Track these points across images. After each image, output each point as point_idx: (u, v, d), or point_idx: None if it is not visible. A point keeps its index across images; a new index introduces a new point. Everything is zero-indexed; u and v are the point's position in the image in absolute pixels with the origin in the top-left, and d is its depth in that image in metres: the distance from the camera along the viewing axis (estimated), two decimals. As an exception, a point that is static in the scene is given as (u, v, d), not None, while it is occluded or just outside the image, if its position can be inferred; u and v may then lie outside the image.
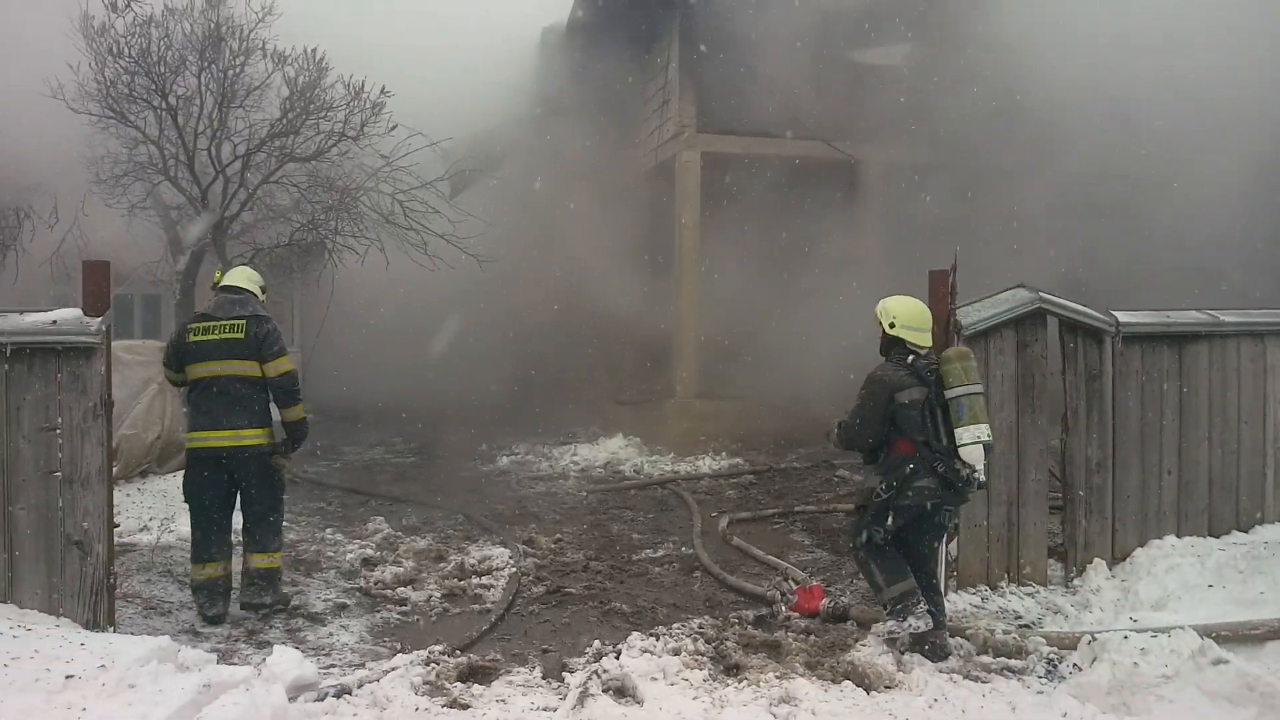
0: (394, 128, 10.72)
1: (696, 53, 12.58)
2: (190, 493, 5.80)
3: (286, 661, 4.50)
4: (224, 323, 5.74)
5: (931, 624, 5.00)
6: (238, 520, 5.90)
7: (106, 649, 4.24)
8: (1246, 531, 6.42)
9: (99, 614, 5.01)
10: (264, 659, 4.60)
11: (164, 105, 9.83)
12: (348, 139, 10.48)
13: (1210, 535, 6.37)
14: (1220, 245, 10.47)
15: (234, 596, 5.84)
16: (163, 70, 9.75)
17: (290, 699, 4.25)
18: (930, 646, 5.00)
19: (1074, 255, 10.98)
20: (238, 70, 10.06)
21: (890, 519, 5.06)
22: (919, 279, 6.01)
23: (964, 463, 4.95)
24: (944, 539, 5.58)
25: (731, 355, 12.49)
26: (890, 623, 5.04)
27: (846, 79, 12.30)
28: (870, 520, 5.12)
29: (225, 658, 4.99)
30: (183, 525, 7.29)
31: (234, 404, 5.69)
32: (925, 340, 5.20)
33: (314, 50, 10.25)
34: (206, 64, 9.96)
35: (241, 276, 6.05)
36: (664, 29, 13.36)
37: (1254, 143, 10.09)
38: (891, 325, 5.20)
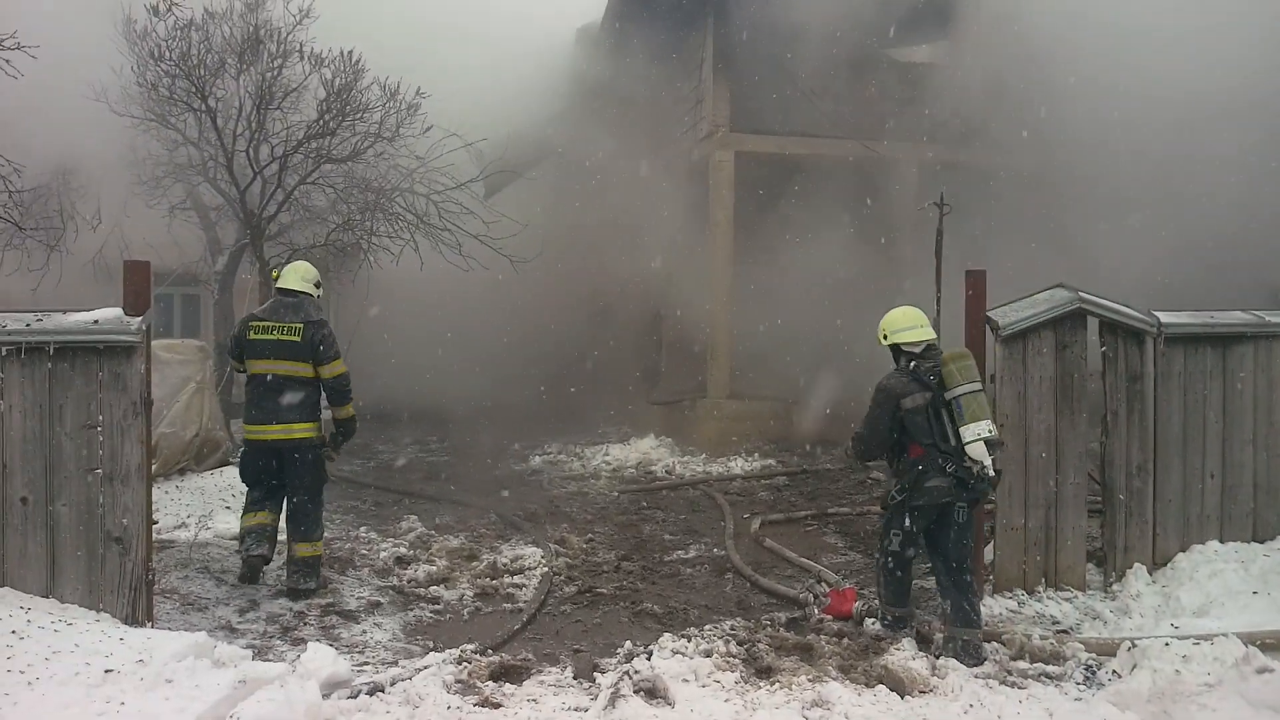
0: (429, 129, 10.78)
1: (730, 51, 12.56)
2: (246, 473, 6.38)
3: (321, 658, 4.54)
4: (282, 325, 6.16)
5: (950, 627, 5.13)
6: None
7: (145, 644, 4.31)
8: (1293, 537, 6.28)
9: (138, 609, 5.08)
10: (299, 656, 4.65)
11: (203, 107, 9.97)
12: (383, 140, 10.56)
13: (1255, 540, 6.24)
14: (1255, 245, 10.25)
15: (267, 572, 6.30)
16: (202, 73, 9.89)
17: (324, 696, 4.28)
18: (963, 645, 4.98)
19: (1113, 256, 10.81)
20: (275, 73, 10.18)
21: (907, 521, 5.18)
22: (955, 279, 5.94)
23: (973, 460, 5.03)
24: (976, 540, 5.53)
25: (764, 356, 12.44)
26: (877, 624, 5.37)
27: (880, 77, 12.22)
28: (889, 523, 5.26)
29: (260, 654, 5.04)
30: (220, 522, 7.49)
31: (287, 400, 6.12)
32: (919, 335, 5.27)
33: (350, 52, 10.35)
34: (245, 67, 10.08)
35: (296, 278, 6.35)
36: (698, 27, 13.33)
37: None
38: (884, 338, 5.38)
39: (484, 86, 12.97)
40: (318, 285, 6.49)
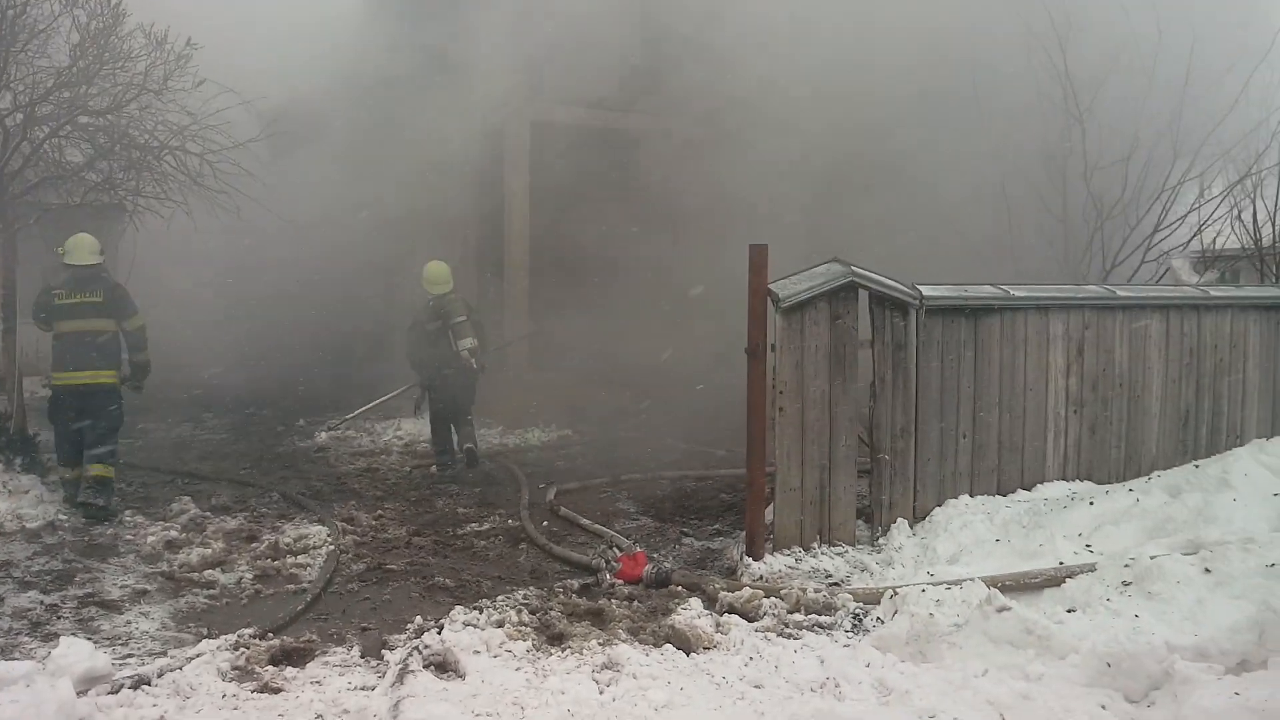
0: (202, 83, 10.00)
1: (528, 17, 12.38)
2: (54, 416, 7.54)
3: (75, 653, 4.18)
4: (85, 290, 7.48)
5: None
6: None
7: None
8: (1030, 490, 6.98)
9: None
10: (49, 652, 4.27)
11: (-72, 46, 8.80)
12: (149, 93, 9.70)
13: (999, 494, 6.90)
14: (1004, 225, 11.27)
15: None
16: (-74, 7, 8.73)
17: (80, 693, 3.95)
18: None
19: (887, 235, 11.57)
20: (18, 11, 9.11)
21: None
22: (739, 252, 6.17)
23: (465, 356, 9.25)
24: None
25: (563, 328, 12.48)
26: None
27: (668, 51, 12.43)
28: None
29: (4, 653, 4.59)
30: None
31: (92, 353, 7.45)
32: (435, 290, 9.52)
33: (108, -8, 9.41)
34: (-20, 2, 8.97)
35: (86, 253, 7.56)
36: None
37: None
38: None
39: (263, 41, 12.20)
40: (101, 253, 7.68)
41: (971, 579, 5.17)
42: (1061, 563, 5.55)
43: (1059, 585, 5.24)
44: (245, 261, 14.96)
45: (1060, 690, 4.14)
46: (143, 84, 9.61)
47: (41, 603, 5.43)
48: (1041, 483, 7.05)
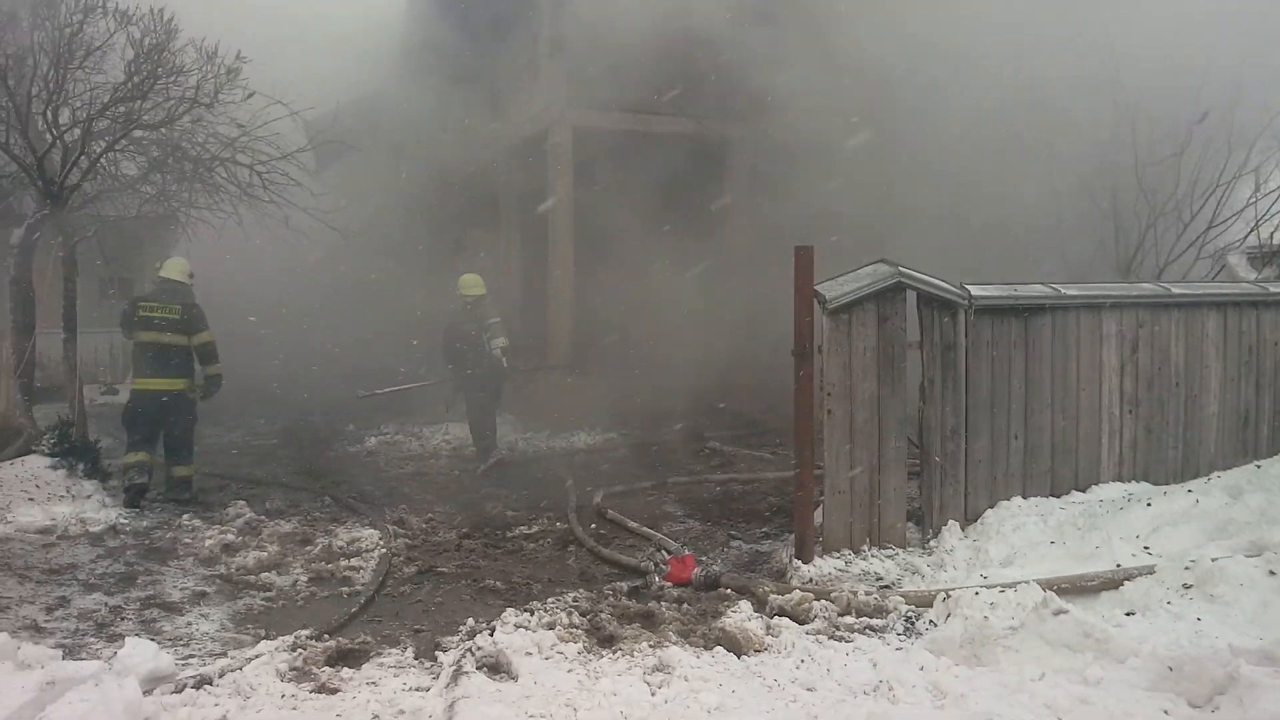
0: (251, 95, 10.20)
1: (569, 23, 12.46)
2: (128, 419, 8.25)
3: (140, 654, 4.28)
4: (166, 305, 8.33)
5: None
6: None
7: (-65, 649, 3.95)
8: (1084, 491, 6.86)
9: (-73, 613, 4.65)
10: (115, 653, 4.37)
11: (-10, 64, 9.07)
12: (200, 106, 9.91)
13: (1053, 495, 6.79)
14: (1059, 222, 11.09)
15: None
16: (-12, 26, 9.00)
17: (145, 692, 4.04)
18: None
19: (933, 232, 11.45)
20: (75, 29, 9.36)
21: None
22: (785, 254, 6.15)
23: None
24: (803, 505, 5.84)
25: (606, 332, 12.53)
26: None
27: (717, 56, 12.42)
28: None
29: (72, 653, 4.71)
30: (22, 515, 7.08)
31: (166, 361, 8.25)
32: (471, 293, 10.29)
33: (161, 10, 9.63)
34: (40, 21, 9.23)
35: (175, 270, 8.57)
36: (535, -1, 13.19)
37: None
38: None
39: (311, 53, 12.41)
40: (191, 275, 8.60)
41: (1026, 581, 5.10)
42: (1119, 565, 5.45)
43: (1117, 588, 5.16)
44: (293, 269, 15.22)
45: (1120, 694, 4.07)
46: (194, 97, 9.82)
47: (106, 604, 5.57)
48: (1096, 484, 6.93)
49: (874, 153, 11.38)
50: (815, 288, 6.11)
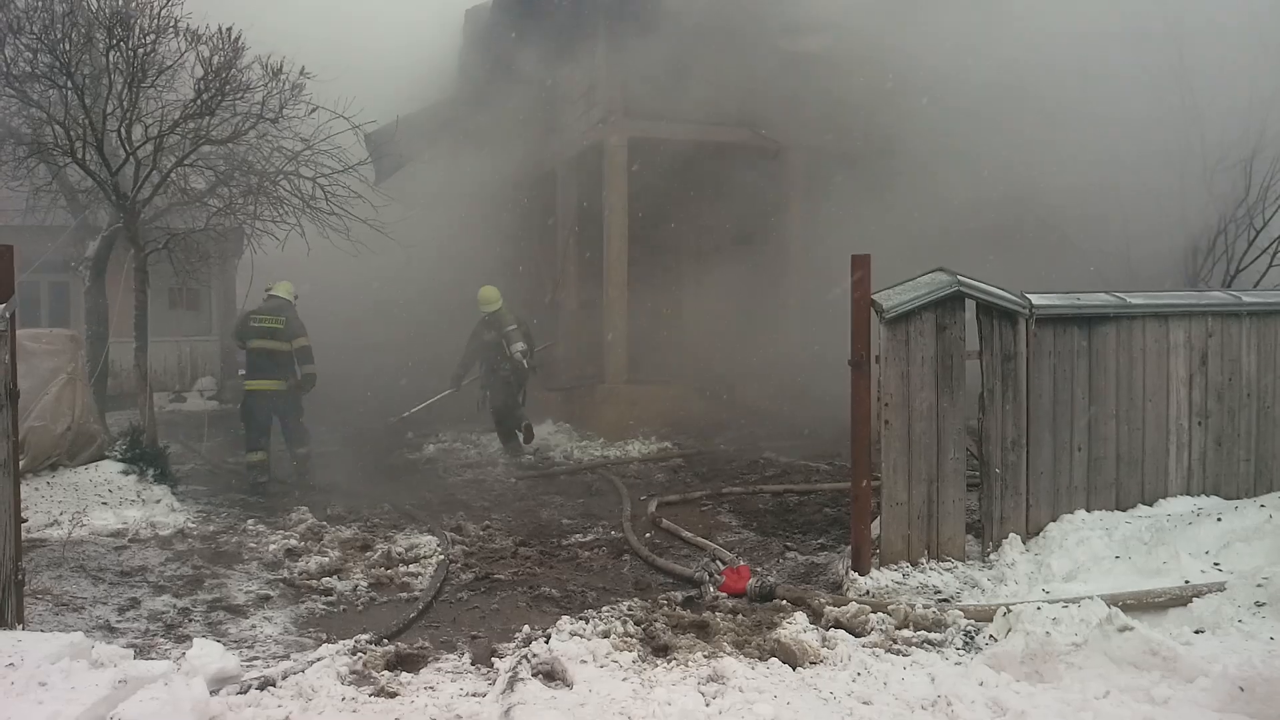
0: (314, 110, 10.46)
1: (624, 35, 12.55)
2: (245, 416, 9.80)
3: (207, 654, 4.41)
4: (273, 317, 9.85)
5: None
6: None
7: (15, 647, 4.10)
8: (1151, 505, 6.68)
9: (6, 611, 4.81)
10: (184, 653, 4.49)
11: (69, 84, 9.42)
12: (266, 121, 10.18)
13: (1118, 509, 6.62)
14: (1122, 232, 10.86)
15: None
16: (67, 48, 9.34)
17: (212, 692, 4.16)
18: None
19: (990, 241, 11.29)
20: (148, 49, 9.68)
21: None
22: (842, 263, 6.11)
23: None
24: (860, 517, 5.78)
25: (661, 341, 12.56)
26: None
27: (773, 66, 12.41)
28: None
29: (142, 653, 4.85)
30: (96, 518, 7.29)
31: (271, 364, 9.72)
32: (487, 308, 11.19)
33: (229, 29, 9.92)
34: (115, 42, 9.56)
35: (283, 289, 10.16)
36: (591, 10, 13.30)
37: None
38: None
39: (371, 68, 12.66)
40: (295, 296, 10.15)
41: (1090, 597, 4.99)
42: (1187, 581, 5.30)
43: (1185, 605, 5.02)
44: (354, 283, 15.50)
45: (1188, 714, 3.96)
46: (260, 113, 10.08)
47: (174, 606, 5.73)
48: (1164, 497, 6.75)
49: (932, 161, 11.27)
50: (873, 297, 6.05)
